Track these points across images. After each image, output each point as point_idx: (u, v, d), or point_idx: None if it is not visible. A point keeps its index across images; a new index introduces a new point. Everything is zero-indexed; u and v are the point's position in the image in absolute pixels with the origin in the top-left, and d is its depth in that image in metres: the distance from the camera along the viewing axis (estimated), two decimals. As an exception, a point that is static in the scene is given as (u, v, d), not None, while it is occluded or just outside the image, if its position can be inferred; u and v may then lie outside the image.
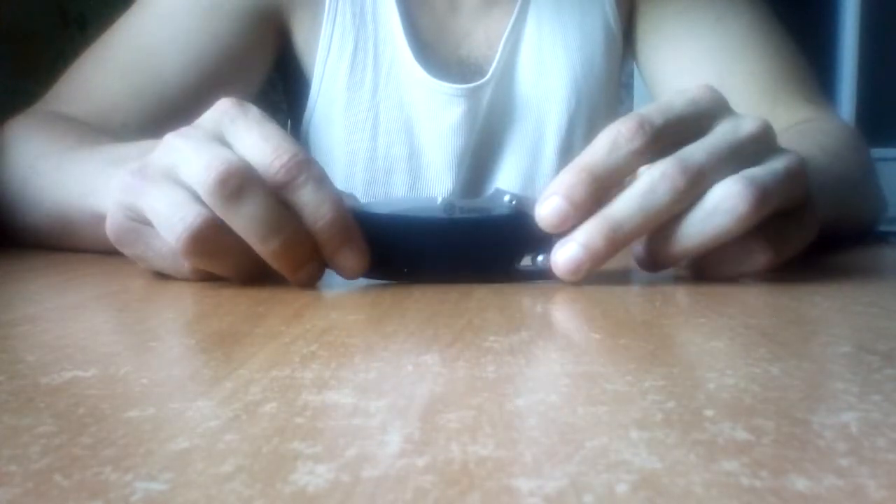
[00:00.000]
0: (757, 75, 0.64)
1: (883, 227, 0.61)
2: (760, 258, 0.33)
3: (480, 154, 0.68)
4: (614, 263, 0.33)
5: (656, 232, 0.32)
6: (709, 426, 0.14)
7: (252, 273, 0.32)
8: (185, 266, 0.33)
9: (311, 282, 0.32)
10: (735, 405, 0.15)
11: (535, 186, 0.68)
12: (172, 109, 0.58)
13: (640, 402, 0.16)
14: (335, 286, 0.33)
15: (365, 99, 0.65)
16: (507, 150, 0.68)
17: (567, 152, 0.68)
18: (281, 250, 0.30)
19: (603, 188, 0.31)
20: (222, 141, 0.32)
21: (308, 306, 0.28)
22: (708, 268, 0.34)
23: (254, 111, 0.32)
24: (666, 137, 0.31)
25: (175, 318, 0.26)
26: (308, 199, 0.30)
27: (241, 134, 0.31)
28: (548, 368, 0.19)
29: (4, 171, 0.52)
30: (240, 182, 0.29)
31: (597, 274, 0.32)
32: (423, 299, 0.29)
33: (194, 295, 0.31)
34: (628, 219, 0.31)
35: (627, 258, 0.34)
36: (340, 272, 0.32)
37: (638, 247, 0.33)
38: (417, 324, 0.24)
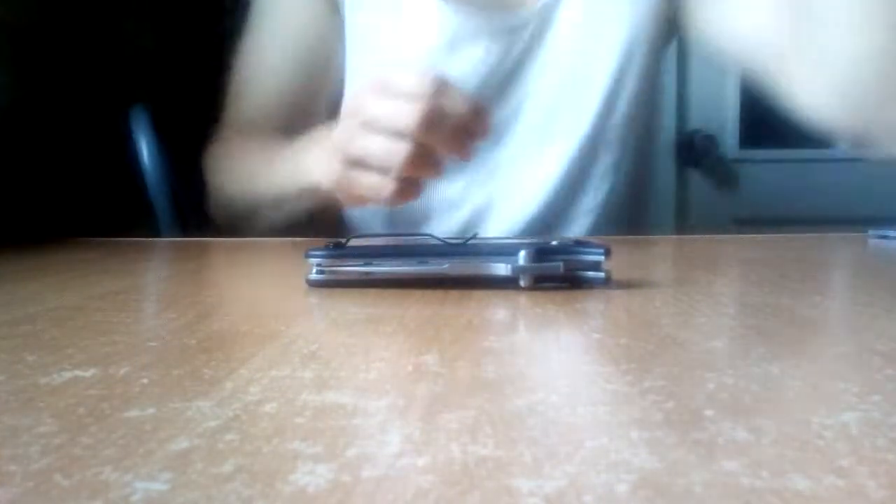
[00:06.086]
0: None
1: (883, 228, 0.61)
2: None
3: (507, 95, 0.67)
4: (614, 263, 0.33)
5: None
6: (709, 426, 0.14)
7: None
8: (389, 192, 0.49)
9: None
10: (735, 405, 0.15)
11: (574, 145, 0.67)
12: (299, 105, 0.72)
13: (640, 402, 0.16)
14: (335, 286, 0.33)
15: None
16: (538, 95, 0.67)
17: (609, 114, 0.67)
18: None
19: None
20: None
21: (308, 306, 0.28)
22: None
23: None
24: None
25: (175, 318, 0.26)
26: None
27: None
28: (548, 368, 0.19)
29: (227, 181, 0.70)
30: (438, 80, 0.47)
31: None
32: (423, 299, 0.29)
33: (194, 295, 0.31)
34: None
35: (629, 259, 0.34)
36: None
37: None
38: (417, 324, 0.24)
